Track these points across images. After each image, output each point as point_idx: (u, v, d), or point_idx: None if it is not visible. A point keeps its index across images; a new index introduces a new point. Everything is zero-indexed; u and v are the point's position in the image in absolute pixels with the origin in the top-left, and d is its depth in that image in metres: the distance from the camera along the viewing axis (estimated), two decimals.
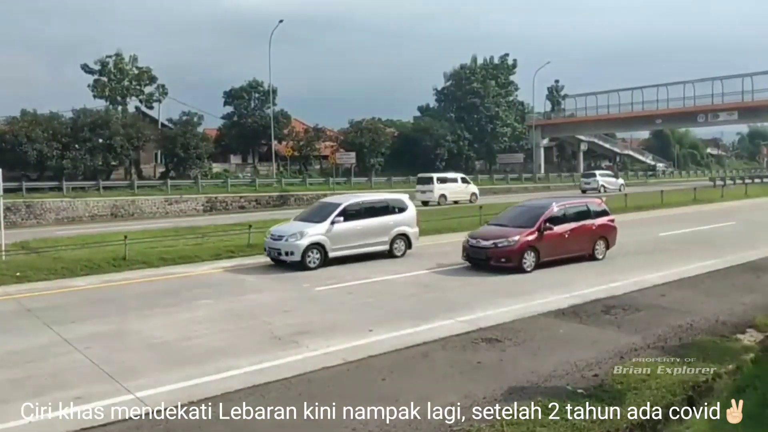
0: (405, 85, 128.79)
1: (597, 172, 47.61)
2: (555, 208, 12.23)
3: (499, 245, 11.46)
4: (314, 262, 11.96)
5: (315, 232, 12.07)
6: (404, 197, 14.15)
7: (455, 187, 33.26)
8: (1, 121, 33.71)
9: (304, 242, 11.87)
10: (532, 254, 11.53)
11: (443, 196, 31.95)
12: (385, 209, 13.22)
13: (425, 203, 30.42)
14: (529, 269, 11.43)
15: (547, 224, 11.81)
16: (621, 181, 45.47)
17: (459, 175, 35.80)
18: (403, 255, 13.24)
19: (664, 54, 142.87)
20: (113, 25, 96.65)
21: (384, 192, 19.49)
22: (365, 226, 12.63)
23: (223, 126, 45.07)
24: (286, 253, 11.98)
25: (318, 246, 12.00)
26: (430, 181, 33.03)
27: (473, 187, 34.38)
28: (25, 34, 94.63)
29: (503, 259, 11.42)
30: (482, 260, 11.69)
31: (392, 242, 13.10)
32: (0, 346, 7.33)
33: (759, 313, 8.32)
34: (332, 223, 12.22)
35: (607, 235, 13.00)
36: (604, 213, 13.22)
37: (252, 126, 43.03)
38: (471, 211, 22.44)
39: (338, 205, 12.71)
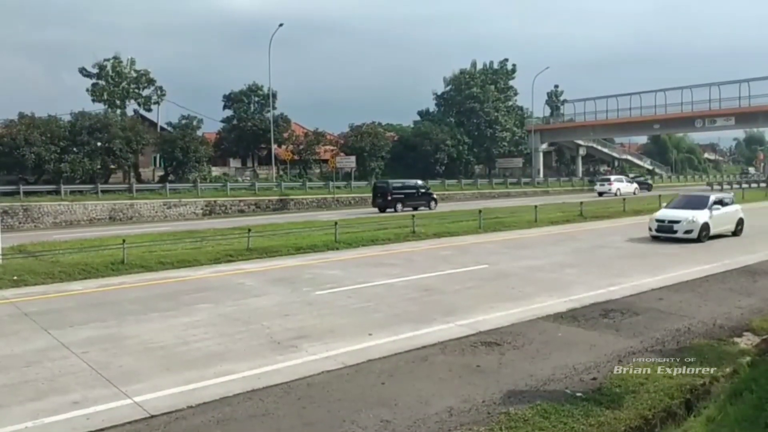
0: (405, 90, 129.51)
1: None
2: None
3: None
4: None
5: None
6: None
7: None
8: None
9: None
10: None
11: None
12: None
13: None
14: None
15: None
16: None
17: None
18: None
19: (663, 58, 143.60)
20: (111, 28, 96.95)
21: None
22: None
23: (223, 129, 45.14)
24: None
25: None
26: None
27: None
28: (21, 37, 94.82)
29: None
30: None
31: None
32: None
33: (755, 317, 8.35)
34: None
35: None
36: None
37: (252, 130, 43.09)
38: (470, 215, 22.46)
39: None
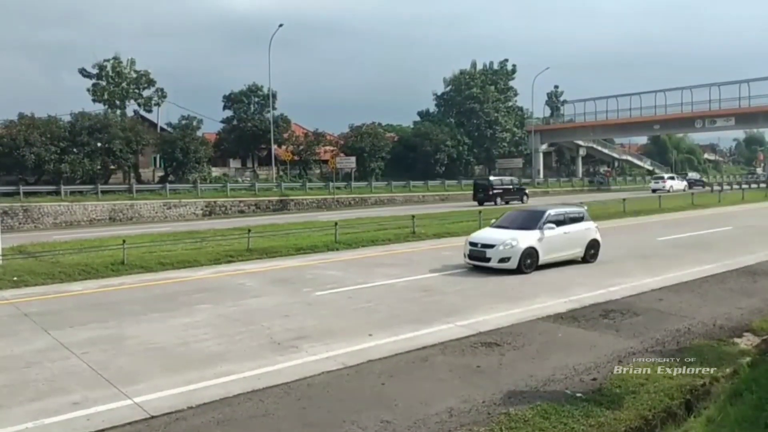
0: (405, 90, 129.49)
1: None
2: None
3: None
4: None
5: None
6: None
7: None
8: None
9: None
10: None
11: None
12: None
13: None
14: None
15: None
16: None
17: None
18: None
19: (663, 59, 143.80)
20: (111, 29, 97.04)
21: None
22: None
23: (223, 130, 45.10)
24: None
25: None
26: None
27: None
28: (22, 37, 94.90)
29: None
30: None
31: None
32: None
33: (756, 317, 8.36)
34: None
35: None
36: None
37: (251, 130, 43.05)
38: (471, 216, 22.44)
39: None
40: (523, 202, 35.46)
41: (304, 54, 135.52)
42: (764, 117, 48.72)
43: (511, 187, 37.86)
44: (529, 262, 11.91)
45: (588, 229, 13.32)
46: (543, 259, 12.16)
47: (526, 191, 38.79)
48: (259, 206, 35.71)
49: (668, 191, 43.65)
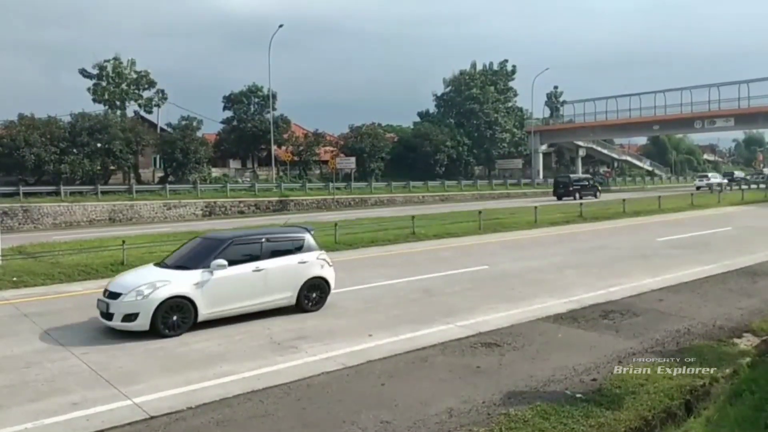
0: (405, 91, 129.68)
1: None
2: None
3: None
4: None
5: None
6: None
7: None
8: None
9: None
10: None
11: None
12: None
13: None
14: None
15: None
16: None
17: None
18: None
19: (663, 59, 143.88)
20: (111, 29, 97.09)
21: None
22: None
23: (223, 131, 45.11)
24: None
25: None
26: None
27: None
28: (20, 37, 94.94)
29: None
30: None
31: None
32: None
33: (755, 318, 8.37)
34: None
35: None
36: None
37: (251, 131, 43.06)
38: (470, 216, 22.44)
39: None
40: (596, 197, 38.48)
41: (304, 54, 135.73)
42: (764, 117, 48.74)
43: (587, 183, 42.67)
44: (174, 320, 7.85)
45: (305, 264, 9.06)
46: (207, 312, 8.10)
47: (599, 188, 43.12)
48: (259, 207, 35.70)
49: (709, 188, 47.92)
